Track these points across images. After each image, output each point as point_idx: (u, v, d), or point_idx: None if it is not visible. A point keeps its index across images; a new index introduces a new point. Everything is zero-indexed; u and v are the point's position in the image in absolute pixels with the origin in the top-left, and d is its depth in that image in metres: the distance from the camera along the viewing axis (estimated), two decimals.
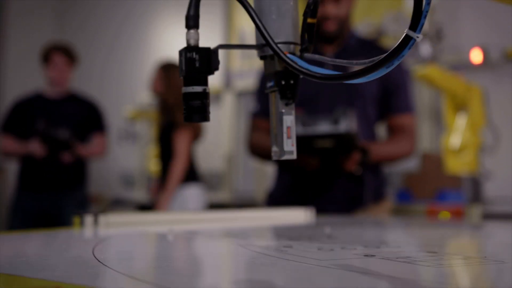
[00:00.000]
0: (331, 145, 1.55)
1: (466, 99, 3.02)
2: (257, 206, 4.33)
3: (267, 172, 3.76)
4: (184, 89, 0.64)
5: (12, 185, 5.55)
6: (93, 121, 3.40)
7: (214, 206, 4.44)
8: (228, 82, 4.62)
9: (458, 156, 3.03)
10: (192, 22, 0.64)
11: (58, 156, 3.14)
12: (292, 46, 0.67)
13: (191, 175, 3.22)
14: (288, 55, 0.62)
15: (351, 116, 1.51)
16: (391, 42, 3.64)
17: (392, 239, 1.01)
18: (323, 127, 1.50)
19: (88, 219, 0.92)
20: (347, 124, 1.48)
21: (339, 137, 1.51)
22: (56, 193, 3.24)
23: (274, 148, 0.69)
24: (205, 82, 0.65)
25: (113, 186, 4.74)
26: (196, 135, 3.27)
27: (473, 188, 2.93)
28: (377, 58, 0.55)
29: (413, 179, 2.68)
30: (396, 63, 0.56)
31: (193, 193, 3.19)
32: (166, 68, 3.33)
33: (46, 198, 3.24)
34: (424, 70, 2.85)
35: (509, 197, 3.13)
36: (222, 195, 4.51)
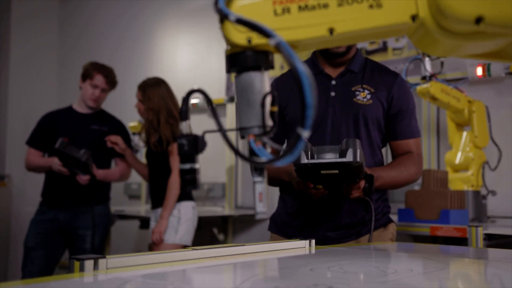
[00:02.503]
0: (337, 174, 1.56)
1: (468, 114, 3.02)
2: (256, 220, 4.34)
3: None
4: (180, 165, 0.85)
5: (17, 192, 5.63)
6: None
7: (216, 218, 4.45)
8: (230, 92, 4.62)
9: (461, 172, 3.03)
10: (183, 116, 0.83)
11: (75, 175, 3.14)
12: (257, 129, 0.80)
13: (186, 192, 3.21)
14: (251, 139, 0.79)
15: (358, 147, 1.51)
16: (392, 56, 3.64)
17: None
18: (331, 158, 1.51)
19: (88, 263, 0.92)
20: (355, 155, 1.49)
21: (346, 167, 1.51)
22: (74, 210, 3.25)
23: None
24: (193, 160, 0.84)
25: (117, 199, 4.74)
26: None
27: (477, 206, 2.93)
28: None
29: (414, 196, 2.67)
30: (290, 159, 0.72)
31: (186, 212, 3.19)
32: (142, 88, 3.30)
33: (64, 215, 3.25)
34: (425, 86, 2.86)
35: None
36: (225, 207, 4.51)
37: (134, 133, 4.35)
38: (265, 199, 0.83)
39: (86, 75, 3.37)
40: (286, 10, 0.72)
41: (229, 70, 0.82)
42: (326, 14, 0.70)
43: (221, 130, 0.78)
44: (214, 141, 4.65)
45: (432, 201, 2.61)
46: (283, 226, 1.96)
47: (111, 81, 3.41)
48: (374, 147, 1.90)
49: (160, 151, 3.16)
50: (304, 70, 0.67)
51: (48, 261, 3.25)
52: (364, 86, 1.88)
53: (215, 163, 4.65)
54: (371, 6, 0.69)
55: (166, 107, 3.21)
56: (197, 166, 0.83)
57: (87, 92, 3.36)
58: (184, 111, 0.82)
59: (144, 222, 4.13)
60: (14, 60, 5.87)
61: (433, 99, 2.94)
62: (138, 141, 4.36)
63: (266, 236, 2.06)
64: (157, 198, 3.23)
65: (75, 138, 3.22)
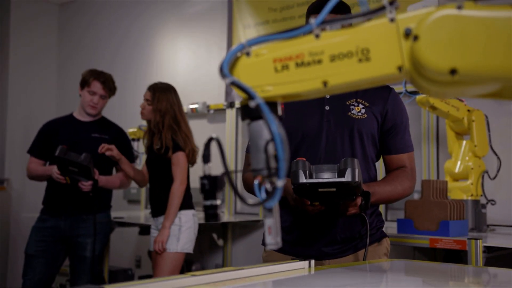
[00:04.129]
0: (335, 192, 1.56)
1: (468, 123, 3.02)
2: (257, 225, 4.34)
3: None
4: (203, 201, 0.94)
5: (16, 196, 5.63)
6: (119, 149, 3.38)
7: (216, 224, 4.45)
8: (229, 98, 4.62)
9: (460, 181, 3.03)
10: (205, 159, 0.94)
11: (77, 183, 3.14)
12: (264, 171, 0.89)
13: (186, 201, 3.22)
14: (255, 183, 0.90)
15: (357, 166, 1.51)
16: None
17: None
18: (329, 178, 1.51)
19: None
20: (353, 175, 1.49)
21: (344, 186, 1.52)
22: (76, 218, 3.25)
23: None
24: (214, 197, 0.93)
25: (117, 204, 4.74)
26: (191, 159, 3.27)
27: (476, 215, 2.93)
28: None
29: (414, 207, 2.67)
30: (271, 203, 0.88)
31: (187, 220, 3.19)
32: (153, 89, 3.29)
33: (65, 222, 3.24)
34: (425, 95, 2.85)
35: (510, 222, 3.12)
36: (224, 213, 4.51)
37: (133, 139, 4.35)
38: (274, 232, 0.90)
39: (84, 83, 3.37)
40: (285, 67, 0.81)
41: (243, 118, 0.89)
42: (320, 69, 0.78)
43: (227, 173, 0.91)
44: (213, 147, 4.68)
45: (432, 211, 2.61)
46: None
47: (109, 87, 3.40)
48: (369, 162, 1.91)
49: (161, 154, 3.16)
50: (277, 131, 0.81)
51: (49, 269, 3.25)
52: (358, 100, 1.88)
53: (214, 169, 4.64)
54: (360, 60, 0.75)
55: (172, 112, 3.22)
56: (217, 202, 0.92)
57: (85, 99, 3.36)
58: (206, 155, 0.92)
59: (144, 228, 4.13)
60: (13, 64, 5.87)
61: (433, 108, 2.94)
62: (137, 147, 4.37)
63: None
64: (158, 206, 3.22)
65: (76, 146, 3.21)
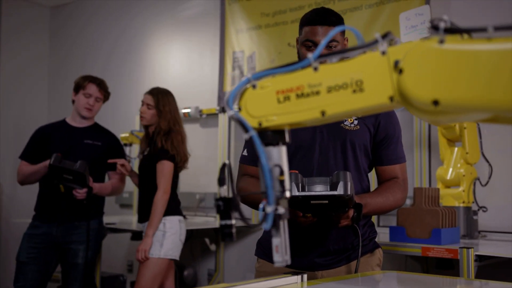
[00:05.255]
0: (327, 204, 1.57)
1: (460, 130, 3.04)
2: (249, 230, 4.34)
3: None
4: (220, 221, 0.97)
5: (7, 201, 5.60)
6: (112, 156, 3.37)
7: (207, 230, 4.45)
8: (222, 103, 4.62)
9: (452, 188, 3.05)
10: (221, 182, 0.95)
11: (71, 190, 3.12)
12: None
13: (172, 207, 3.20)
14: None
15: (349, 180, 1.51)
16: None
17: None
18: (322, 191, 1.52)
19: None
20: (345, 189, 1.50)
21: (336, 199, 1.52)
22: (68, 225, 3.23)
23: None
24: (229, 218, 0.96)
25: (109, 208, 4.72)
26: (180, 165, 3.27)
27: (468, 222, 2.94)
28: None
29: (406, 214, 2.68)
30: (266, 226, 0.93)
31: (171, 226, 3.18)
32: (155, 94, 3.31)
33: (57, 229, 3.23)
34: None
35: (503, 228, 3.14)
36: (217, 217, 4.50)
37: (125, 144, 4.33)
38: (281, 251, 0.95)
39: (79, 87, 3.35)
40: (287, 98, 0.88)
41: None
42: (318, 99, 0.84)
43: (234, 198, 0.95)
44: (206, 151, 4.68)
45: (424, 219, 2.62)
46: (270, 252, 1.95)
47: (104, 90, 3.40)
48: (361, 173, 1.91)
49: (154, 158, 3.16)
50: (266, 164, 0.90)
51: (41, 276, 3.24)
52: None
53: (207, 173, 4.65)
54: (354, 91, 0.80)
55: (173, 117, 3.25)
56: (232, 222, 0.96)
57: (80, 102, 3.34)
58: (221, 179, 0.95)
59: (136, 233, 4.12)
60: (4, 68, 5.83)
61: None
62: (129, 152, 4.35)
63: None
64: (145, 212, 3.21)
65: (68, 152, 3.20)
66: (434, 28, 0.72)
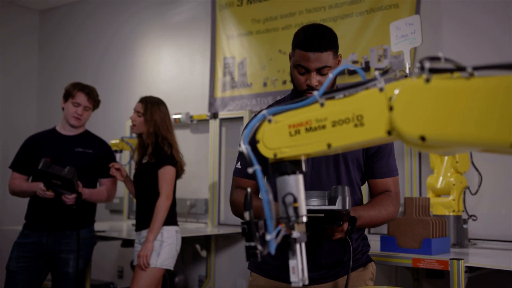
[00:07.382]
0: (322, 217, 1.57)
1: None
2: (240, 236, 4.32)
3: None
4: (246, 243, 1.00)
5: None
6: (103, 163, 3.37)
7: (198, 237, 4.44)
8: (212, 109, 4.62)
9: (442, 197, 3.07)
10: (246, 207, 1.00)
11: (60, 196, 3.10)
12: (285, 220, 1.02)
13: (170, 217, 3.20)
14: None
15: (347, 194, 1.52)
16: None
17: None
18: (319, 205, 1.53)
19: None
20: (344, 204, 1.51)
21: (333, 214, 1.53)
22: (59, 233, 3.21)
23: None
24: (252, 240, 0.99)
25: (99, 214, 4.70)
26: (179, 173, 3.27)
27: (458, 231, 2.97)
28: None
29: (397, 224, 2.69)
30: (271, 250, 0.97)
31: (169, 236, 3.18)
32: (145, 101, 3.31)
33: (47, 238, 3.20)
34: None
35: (493, 236, 3.17)
36: (207, 224, 4.50)
37: (116, 151, 4.32)
38: (297, 272, 0.99)
39: (68, 95, 3.34)
40: (297, 132, 0.95)
41: (273, 172, 1.04)
42: (325, 133, 0.91)
43: (251, 223, 0.99)
44: (197, 156, 4.67)
45: (414, 229, 2.63)
46: (263, 266, 1.96)
47: (93, 99, 3.38)
48: (354, 186, 1.92)
49: (150, 167, 3.16)
50: (266, 198, 0.96)
51: (31, 285, 3.20)
52: None
53: (198, 178, 4.64)
54: (356, 125, 0.86)
55: (164, 125, 3.25)
56: (256, 244, 0.99)
57: (69, 110, 3.32)
58: (248, 204, 1.00)
59: (126, 241, 4.10)
60: None
61: None
62: (120, 159, 4.33)
63: None
64: (143, 220, 3.21)
65: (59, 160, 3.18)
66: (421, 68, 0.77)
